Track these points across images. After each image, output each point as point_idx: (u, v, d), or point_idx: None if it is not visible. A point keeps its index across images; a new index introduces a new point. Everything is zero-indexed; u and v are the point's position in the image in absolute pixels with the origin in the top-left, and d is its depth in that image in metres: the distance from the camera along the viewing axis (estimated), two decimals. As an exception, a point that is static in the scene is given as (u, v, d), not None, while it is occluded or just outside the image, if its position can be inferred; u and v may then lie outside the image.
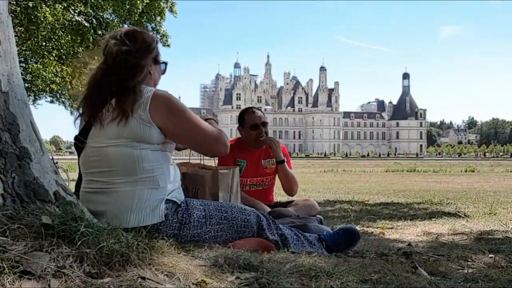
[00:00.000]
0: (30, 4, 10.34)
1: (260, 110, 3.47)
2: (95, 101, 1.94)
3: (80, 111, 2.01)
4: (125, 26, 12.18)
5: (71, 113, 15.69)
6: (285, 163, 3.26)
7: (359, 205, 6.84)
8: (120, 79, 1.91)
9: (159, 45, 2.14)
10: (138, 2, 11.69)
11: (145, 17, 12.67)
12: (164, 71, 2.17)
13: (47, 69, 13.68)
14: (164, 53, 2.30)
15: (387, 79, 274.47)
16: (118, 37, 1.96)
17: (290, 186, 3.30)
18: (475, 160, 74.35)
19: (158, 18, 13.24)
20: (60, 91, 15.76)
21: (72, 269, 1.28)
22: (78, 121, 2.04)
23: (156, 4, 12.69)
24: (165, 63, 2.16)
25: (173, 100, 1.97)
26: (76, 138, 2.00)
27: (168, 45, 13.97)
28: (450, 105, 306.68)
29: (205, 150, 2.14)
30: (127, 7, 11.68)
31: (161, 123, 1.91)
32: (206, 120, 2.29)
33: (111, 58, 1.94)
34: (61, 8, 10.90)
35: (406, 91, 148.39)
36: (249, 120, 3.28)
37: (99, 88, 1.95)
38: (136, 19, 12.03)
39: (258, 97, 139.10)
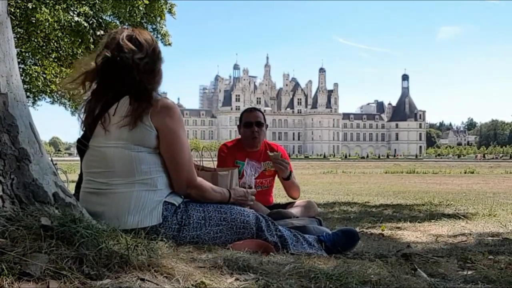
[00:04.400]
0: (30, 5, 10.33)
1: (260, 110, 3.48)
2: (97, 105, 1.94)
3: (82, 116, 2.01)
4: (125, 27, 12.16)
5: (72, 113, 15.62)
6: (291, 178, 3.23)
7: (359, 207, 6.84)
8: (136, 85, 1.90)
9: (159, 41, 2.13)
10: (140, 2, 11.67)
11: (145, 18, 12.66)
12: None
13: (47, 70, 13.67)
14: (165, 53, 2.30)
15: (386, 80, 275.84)
16: (121, 42, 1.92)
17: (293, 193, 3.33)
18: (475, 161, 74.36)
19: (158, 19, 13.22)
20: (60, 92, 15.74)
21: (71, 270, 1.28)
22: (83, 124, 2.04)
23: (156, 6, 12.68)
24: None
25: (175, 109, 1.98)
26: (79, 141, 2.01)
27: (169, 44, 13.94)
28: (450, 106, 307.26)
29: (170, 169, 1.97)
30: (128, 9, 11.66)
31: (157, 123, 1.91)
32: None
33: (120, 65, 1.90)
34: (61, 9, 10.89)
35: (405, 92, 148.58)
36: (244, 118, 3.36)
37: (103, 93, 1.94)
38: (137, 21, 12.02)
39: (257, 98, 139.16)
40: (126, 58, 1.90)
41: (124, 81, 1.91)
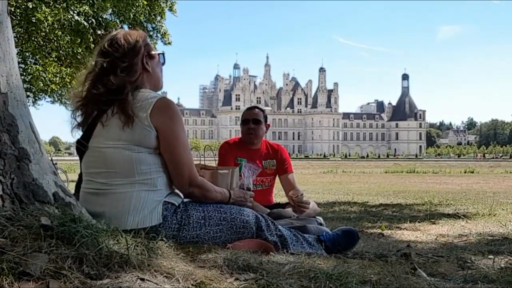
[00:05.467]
0: (30, 5, 10.32)
1: (261, 109, 3.51)
2: (95, 107, 1.95)
3: (78, 119, 2.02)
4: (125, 26, 12.17)
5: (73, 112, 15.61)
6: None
7: (359, 206, 6.85)
8: (116, 86, 1.92)
9: (159, 41, 2.16)
10: (140, 1, 11.64)
11: (145, 17, 12.65)
12: (164, 62, 2.18)
13: (47, 70, 13.66)
14: (165, 52, 2.31)
15: (387, 80, 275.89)
16: (103, 48, 1.99)
17: None
18: (475, 161, 74.36)
19: (159, 18, 13.21)
20: (60, 91, 15.75)
21: (71, 270, 1.28)
22: (76, 128, 2.05)
23: (156, 4, 12.66)
24: (163, 54, 2.17)
25: (175, 108, 1.98)
26: (78, 141, 2.01)
27: (169, 43, 13.92)
28: (450, 106, 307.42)
29: (171, 169, 1.98)
30: (128, 8, 11.64)
31: (157, 123, 1.91)
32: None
33: (101, 70, 1.96)
34: (61, 8, 10.87)
35: (405, 92, 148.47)
36: (244, 116, 3.41)
37: (96, 96, 1.95)
38: (138, 20, 12.01)
39: (257, 98, 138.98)
40: (107, 62, 1.94)
41: (111, 83, 1.93)
